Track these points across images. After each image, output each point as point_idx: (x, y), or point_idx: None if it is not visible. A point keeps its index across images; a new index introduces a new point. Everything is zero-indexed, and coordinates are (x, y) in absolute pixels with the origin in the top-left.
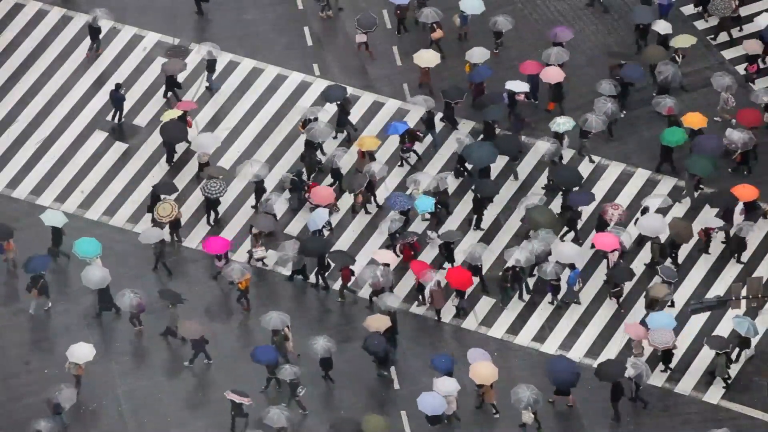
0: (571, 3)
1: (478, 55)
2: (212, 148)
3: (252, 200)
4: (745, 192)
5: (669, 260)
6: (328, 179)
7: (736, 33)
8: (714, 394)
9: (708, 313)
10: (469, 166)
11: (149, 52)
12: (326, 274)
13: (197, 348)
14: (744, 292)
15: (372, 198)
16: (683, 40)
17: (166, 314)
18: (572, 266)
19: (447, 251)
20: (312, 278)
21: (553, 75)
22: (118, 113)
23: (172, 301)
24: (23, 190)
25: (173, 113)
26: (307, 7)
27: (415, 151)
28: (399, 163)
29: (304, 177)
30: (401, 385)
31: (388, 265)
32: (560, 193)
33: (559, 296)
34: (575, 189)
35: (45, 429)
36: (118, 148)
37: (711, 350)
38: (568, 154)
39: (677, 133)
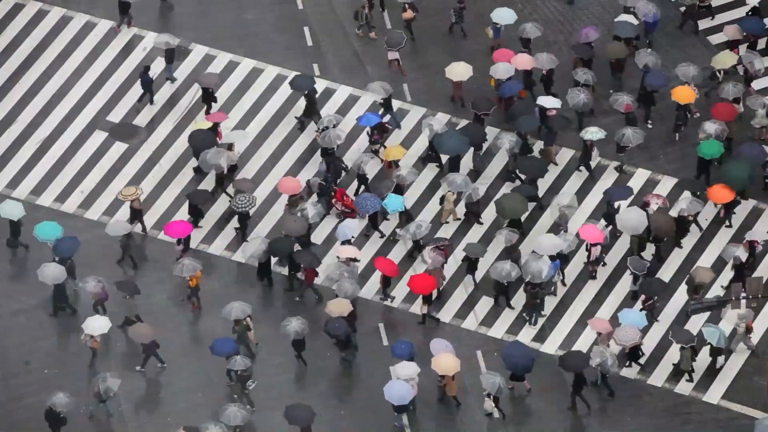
0: (569, 2)
1: (502, 70)
2: (243, 141)
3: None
4: (721, 194)
5: (651, 254)
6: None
7: (707, 23)
8: (714, 394)
9: (708, 313)
10: (445, 158)
11: (149, 52)
12: (298, 274)
13: (148, 351)
14: (744, 292)
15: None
16: (724, 60)
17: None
18: (552, 258)
19: (470, 265)
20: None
21: (523, 62)
22: (148, 95)
23: (130, 293)
24: (23, 190)
25: (204, 124)
26: (307, 7)
27: (383, 144)
28: (372, 151)
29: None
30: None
31: (354, 260)
32: (521, 182)
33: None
34: (539, 180)
35: (60, 404)
36: (118, 148)
37: (677, 344)
38: (590, 165)
39: (714, 145)
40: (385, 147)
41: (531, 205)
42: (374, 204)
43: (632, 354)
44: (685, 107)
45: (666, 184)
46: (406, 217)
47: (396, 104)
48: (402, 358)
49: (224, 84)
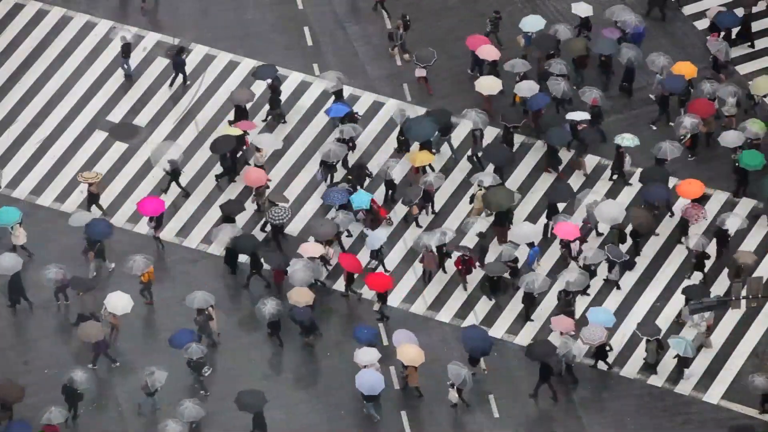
0: (571, 3)
1: (525, 89)
2: (271, 148)
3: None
4: (691, 189)
5: (632, 249)
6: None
7: (696, 7)
8: (714, 394)
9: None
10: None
11: (149, 52)
12: (259, 270)
13: (98, 350)
14: (744, 292)
15: (430, 208)
16: (763, 85)
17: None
18: (531, 244)
19: (492, 285)
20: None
21: (488, 53)
22: (181, 77)
23: (84, 289)
24: (23, 190)
25: (233, 131)
26: (307, 7)
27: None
28: (350, 149)
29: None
30: (401, 385)
31: (317, 258)
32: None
33: (520, 280)
34: (504, 166)
35: (78, 381)
36: (118, 148)
37: (642, 337)
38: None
39: (757, 157)
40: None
41: (517, 198)
42: (341, 198)
43: (600, 352)
44: (689, 81)
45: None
46: (372, 216)
47: (396, 104)
48: (363, 344)
49: (224, 84)
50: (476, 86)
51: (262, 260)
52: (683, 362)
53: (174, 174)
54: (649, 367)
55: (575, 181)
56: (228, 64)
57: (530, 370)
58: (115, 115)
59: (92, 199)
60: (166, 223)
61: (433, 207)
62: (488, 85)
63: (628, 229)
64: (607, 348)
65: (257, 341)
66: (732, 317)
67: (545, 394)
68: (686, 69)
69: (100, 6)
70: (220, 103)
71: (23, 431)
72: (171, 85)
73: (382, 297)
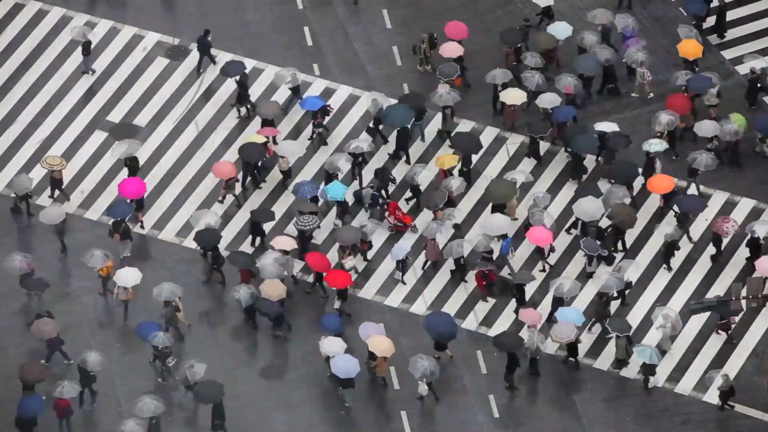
0: (571, 3)
1: (548, 100)
2: (295, 156)
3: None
4: (661, 184)
5: (617, 246)
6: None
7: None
8: (714, 394)
9: (708, 313)
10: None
11: (149, 52)
12: (219, 267)
13: (52, 347)
14: (744, 292)
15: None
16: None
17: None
18: (504, 235)
19: (519, 293)
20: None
21: (451, 50)
22: (206, 58)
23: (36, 289)
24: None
25: (257, 138)
26: (307, 7)
27: (325, 126)
28: (309, 137)
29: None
30: (401, 385)
31: (287, 252)
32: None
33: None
34: (477, 154)
35: (92, 363)
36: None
37: (612, 332)
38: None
39: None
40: (327, 130)
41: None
42: (311, 190)
43: (571, 350)
44: (692, 62)
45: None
46: (343, 208)
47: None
48: (330, 332)
49: (224, 84)
50: (501, 96)
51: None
52: (649, 370)
53: (132, 167)
54: (620, 364)
55: (602, 187)
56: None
57: (530, 370)
58: (115, 115)
59: (55, 184)
60: (165, 223)
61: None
62: (513, 96)
63: (606, 223)
64: (579, 345)
65: (258, 341)
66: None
67: (549, 389)
68: (691, 48)
69: (100, 6)
70: (220, 103)
71: (36, 405)
72: (199, 69)
73: (343, 294)
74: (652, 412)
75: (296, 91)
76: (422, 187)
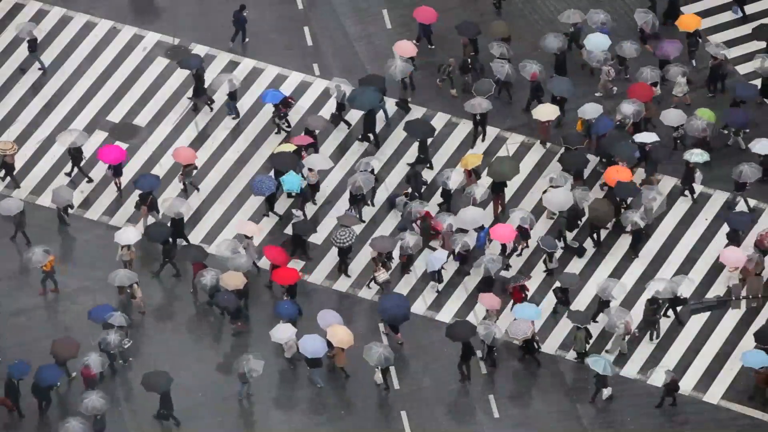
0: (571, 3)
1: (590, 111)
2: (324, 166)
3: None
4: (619, 174)
5: (592, 242)
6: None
7: None
8: (714, 394)
9: (708, 313)
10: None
11: (149, 52)
12: (171, 261)
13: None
14: (744, 292)
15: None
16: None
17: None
18: (480, 227)
19: (563, 294)
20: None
21: (406, 49)
22: (241, 34)
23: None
24: (23, 190)
25: (288, 147)
26: (306, 7)
27: (287, 119)
28: (275, 131)
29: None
30: (401, 385)
31: (251, 237)
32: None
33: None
34: (429, 140)
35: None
36: None
37: (572, 324)
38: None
39: None
40: (289, 124)
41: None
42: (270, 186)
43: (528, 347)
44: (694, 33)
45: (665, 185)
46: (302, 198)
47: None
48: (285, 319)
49: (224, 84)
50: (534, 114)
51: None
52: (601, 381)
53: (75, 158)
54: (578, 356)
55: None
56: (228, 64)
57: (531, 370)
58: (115, 115)
59: (7, 169)
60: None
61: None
62: (546, 111)
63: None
64: (536, 343)
65: (256, 343)
66: (733, 317)
67: (549, 389)
68: (691, 21)
69: (100, 6)
70: (219, 103)
71: (53, 374)
72: (232, 40)
73: (292, 290)
74: (653, 412)
75: (233, 97)
76: (452, 191)
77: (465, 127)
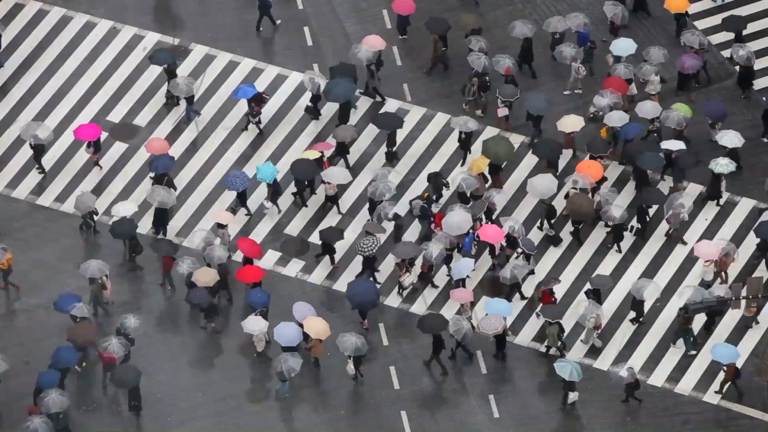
0: (571, 3)
1: (616, 119)
2: (342, 180)
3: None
4: (592, 170)
5: (574, 237)
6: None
7: None
8: (714, 394)
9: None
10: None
11: (149, 52)
12: (135, 256)
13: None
14: (744, 292)
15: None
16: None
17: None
18: (467, 233)
19: (595, 296)
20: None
21: (375, 43)
22: (265, 19)
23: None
24: (23, 190)
25: (312, 154)
26: (307, 7)
27: (260, 116)
28: (244, 128)
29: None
30: (401, 385)
31: (224, 226)
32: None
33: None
34: (397, 131)
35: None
36: (118, 148)
37: (542, 319)
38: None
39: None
40: (260, 120)
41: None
42: (243, 181)
43: (499, 343)
44: (683, 15)
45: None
46: (274, 188)
47: (396, 104)
48: (257, 307)
49: (224, 84)
50: (558, 125)
51: (140, 245)
52: (569, 386)
53: (37, 150)
54: (546, 353)
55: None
56: (228, 64)
57: (531, 370)
58: (115, 115)
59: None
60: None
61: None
62: (571, 123)
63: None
64: (507, 337)
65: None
66: (733, 317)
67: (549, 389)
68: (681, 3)
69: (100, 6)
70: (219, 103)
71: (69, 356)
72: (258, 28)
73: (257, 286)
74: (652, 412)
75: (190, 101)
76: (468, 195)
77: None
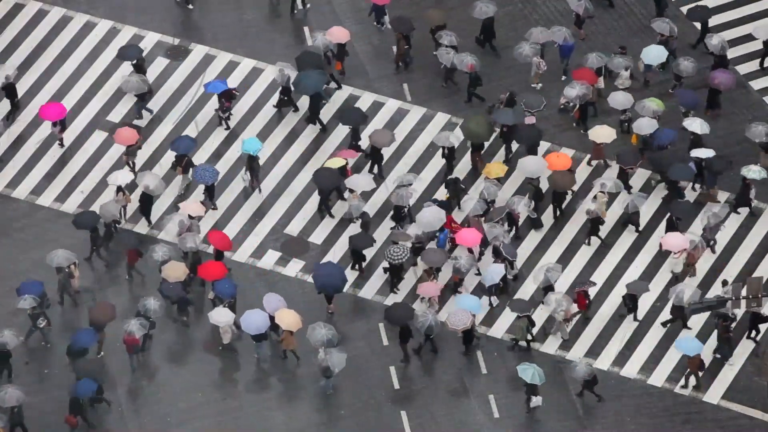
0: (568, 4)
1: (646, 126)
2: (366, 188)
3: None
4: (559, 161)
5: (555, 212)
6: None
7: None
8: (714, 394)
9: (708, 314)
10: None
11: (149, 52)
12: (98, 248)
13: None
14: (744, 292)
15: (514, 230)
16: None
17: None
18: (441, 229)
19: (632, 302)
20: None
21: (338, 35)
22: (300, 2)
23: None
24: (23, 190)
25: (337, 162)
26: (307, 6)
27: (231, 112)
28: (220, 124)
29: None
30: (401, 385)
31: (194, 217)
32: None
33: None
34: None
35: (153, 307)
36: (119, 148)
37: (512, 312)
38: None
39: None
40: (231, 115)
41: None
42: (213, 175)
43: (466, 337)
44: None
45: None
46: (252, 164)
47: (396, 104)
48: (225, 298)
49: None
50: (590, 135)
51: (101, 237)
52: (531, 389)
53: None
54: (513, 347)
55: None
56: (228, 64)
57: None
58: (115, 115)
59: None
60: (166, 223)
61: (517, 230)
62: (603, 134)
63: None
64: (475, 334)
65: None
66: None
67: (549, 389)
68: None
69: (100, 6)
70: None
71: (88, 338)
72: (293, 11)
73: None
74: (652, 412)
75: (142, 98)
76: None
77: None
